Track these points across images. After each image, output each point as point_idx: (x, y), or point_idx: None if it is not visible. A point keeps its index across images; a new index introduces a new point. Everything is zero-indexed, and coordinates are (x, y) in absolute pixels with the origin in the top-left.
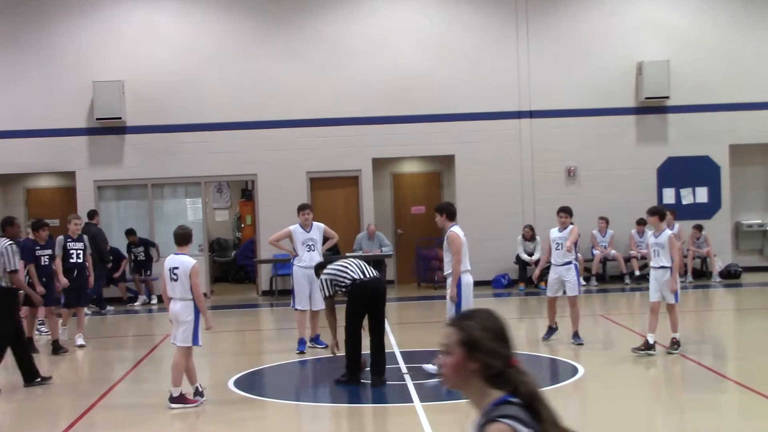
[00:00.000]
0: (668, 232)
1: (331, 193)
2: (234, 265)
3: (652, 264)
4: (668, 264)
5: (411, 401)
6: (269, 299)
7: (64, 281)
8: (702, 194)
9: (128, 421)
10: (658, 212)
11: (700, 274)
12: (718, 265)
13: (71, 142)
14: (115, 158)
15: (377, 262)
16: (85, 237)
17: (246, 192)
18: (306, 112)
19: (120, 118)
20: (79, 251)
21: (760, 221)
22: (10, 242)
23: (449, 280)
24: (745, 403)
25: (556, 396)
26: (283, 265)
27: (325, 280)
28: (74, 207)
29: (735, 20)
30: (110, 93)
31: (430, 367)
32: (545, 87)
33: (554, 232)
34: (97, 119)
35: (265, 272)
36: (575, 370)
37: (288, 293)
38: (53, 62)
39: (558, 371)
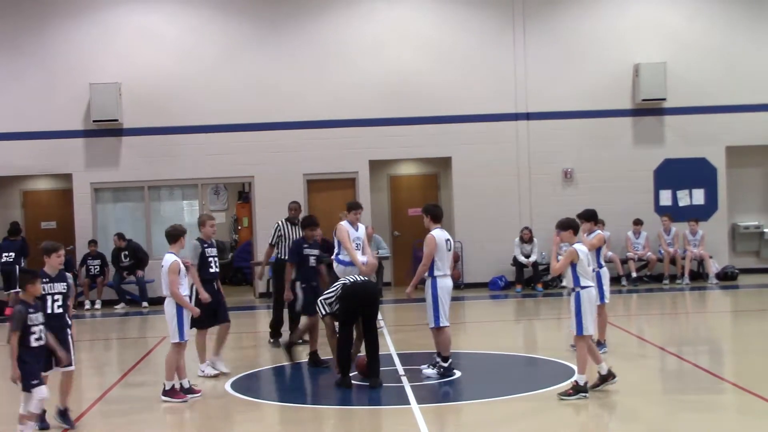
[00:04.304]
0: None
1: (328, 195)
2: (231, 267)
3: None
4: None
5: (408, 403)
6: (266, 301)
7: (205, 296)
8: (699, 196)
9: (122, 421)
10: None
11: (696, 276)
12: (714, 266)
13: (68, 144)
14: (111, 160)
15: None
16: (216, 242)
17: (243, 194)
18: (303, 113)
19: (117, 120)
20: (216, 258)
21: (756, 223)
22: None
23: (427, 282)
24: (742, 405)
25: (554, 397)
26: None
27: (320, 302)
28: (71, 209)
29: (731, 22)
30: (107, 95)
31: (427, 369)
32: (542, 89)
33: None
34: (94, 121)
35: None
36: (572, 372)
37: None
38: (50, 64)
39: (555, 372)
